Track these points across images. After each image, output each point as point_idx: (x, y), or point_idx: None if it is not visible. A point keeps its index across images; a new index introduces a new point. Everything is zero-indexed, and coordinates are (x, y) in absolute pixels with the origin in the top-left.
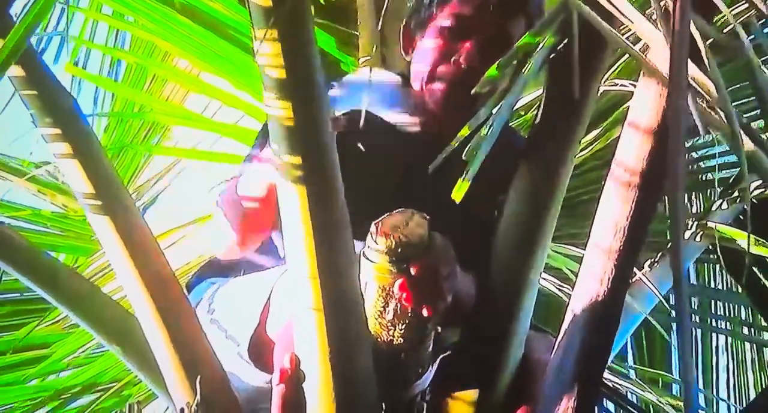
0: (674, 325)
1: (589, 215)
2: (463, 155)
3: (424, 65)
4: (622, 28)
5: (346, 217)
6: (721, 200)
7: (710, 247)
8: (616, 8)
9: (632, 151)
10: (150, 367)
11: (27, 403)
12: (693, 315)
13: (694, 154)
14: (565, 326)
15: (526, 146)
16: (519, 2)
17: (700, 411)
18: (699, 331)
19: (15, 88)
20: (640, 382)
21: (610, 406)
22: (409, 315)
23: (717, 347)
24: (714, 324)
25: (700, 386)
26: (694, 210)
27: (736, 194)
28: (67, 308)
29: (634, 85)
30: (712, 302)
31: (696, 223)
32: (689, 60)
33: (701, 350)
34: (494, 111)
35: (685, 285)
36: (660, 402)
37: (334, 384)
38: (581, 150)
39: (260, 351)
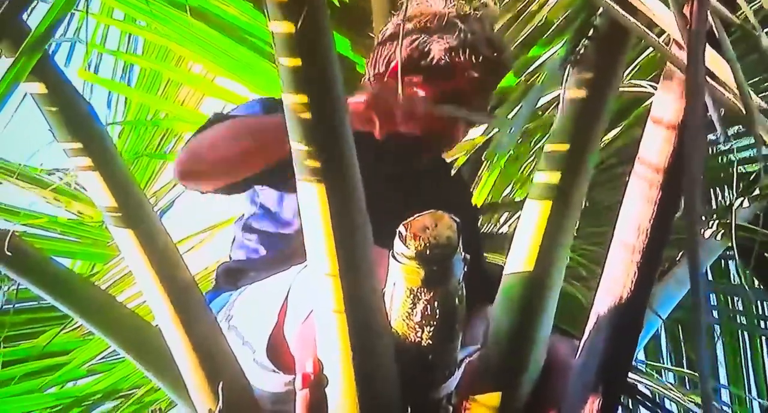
0: (716, 327)
1: (607, 213)
2: (483, 156)
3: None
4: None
5: (365, 215)
6: (742, 198)
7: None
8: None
9: (654, 149)
10: (169, 375)
11: (47, 411)
12: (737, 316)
13: (718, 147)
14: (588, 327)
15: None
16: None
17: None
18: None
19: (36, 104)
20: (665, 383)
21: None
22: (437, 316)
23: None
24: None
25: (754, 393)
26: (719, 204)
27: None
28: (81, 318)
29: (654, 86)
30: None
31: (716, 221)
32: (708, 46)
33: (750, 352)
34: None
35: (702, 283)
36: (682, 400)
37: (357, 386)
38: (601, 149)
39: (279, 351)
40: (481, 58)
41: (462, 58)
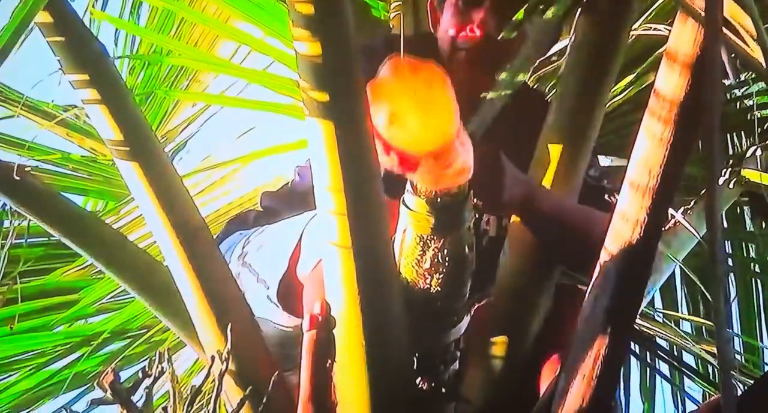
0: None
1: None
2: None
3: (445, 37)
4: None
5: (372, 150)
6: (756, 147)
7: None
8: None
9: (669, 89)
10: (178, 315)
11: (58, 348)
12: (752, 264)
13: (734, 93)
14: (596, 272)
15: (556, 96)
16: None
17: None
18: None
19: (42, 34)
20: (677, 329)
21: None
22: (447, 264)
23: None
24: None
25: (766, 341)
26: (734, 151)
27: None
28: (91, 256)
29: (669, 30)
30: None
31: (730, 170)
32: None
33: (763, 300)
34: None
35: (719, 229)
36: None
37: (364, 330)
38: (615, 96)
39: (289, 294)
40: None
41: None
